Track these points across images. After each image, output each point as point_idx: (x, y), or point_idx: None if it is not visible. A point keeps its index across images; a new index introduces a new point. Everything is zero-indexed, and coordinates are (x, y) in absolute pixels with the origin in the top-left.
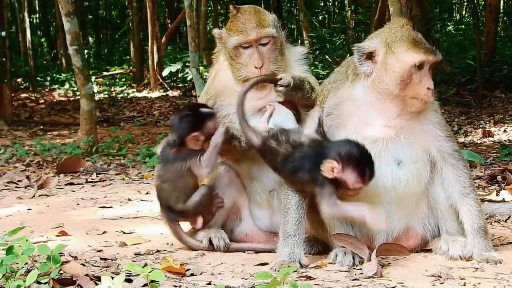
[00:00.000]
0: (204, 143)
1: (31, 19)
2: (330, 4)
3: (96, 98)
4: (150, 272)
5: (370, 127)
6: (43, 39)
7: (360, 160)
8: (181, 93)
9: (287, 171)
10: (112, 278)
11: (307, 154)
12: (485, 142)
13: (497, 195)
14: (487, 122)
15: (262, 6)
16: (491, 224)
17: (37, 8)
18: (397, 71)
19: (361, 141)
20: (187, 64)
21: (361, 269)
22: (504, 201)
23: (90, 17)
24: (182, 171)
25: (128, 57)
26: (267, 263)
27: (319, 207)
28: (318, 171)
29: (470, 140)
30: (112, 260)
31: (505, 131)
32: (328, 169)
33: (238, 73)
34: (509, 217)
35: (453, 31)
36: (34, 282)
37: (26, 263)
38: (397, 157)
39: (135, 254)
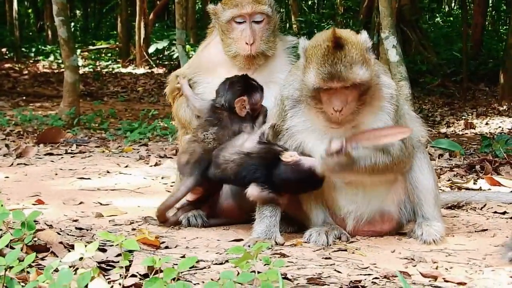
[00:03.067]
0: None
1: None
2: None
3: (81, 71)
4: (123, 241)
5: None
6: (30, 10)
7: (306, 182)
8: (166, 71)
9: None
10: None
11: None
12: (466, 133)
13: (474, 183)
14: (470, 114)
15: None
16: (466, 211)
17: None
18: (305, 86)
19: (318, 126)
20: (173, 42)
21: (335, 250)
22: (481, 190)
23: None
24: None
25: (115, 32)
26: (242, 239)
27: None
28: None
29: (452, 131)
30: (88, 230)
31: (487, 123)
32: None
33: (228, 48)
34: (484, 205)
35: (441, 22)
36: (7, 246)
37: (0, 229)
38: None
39: (110, 225)
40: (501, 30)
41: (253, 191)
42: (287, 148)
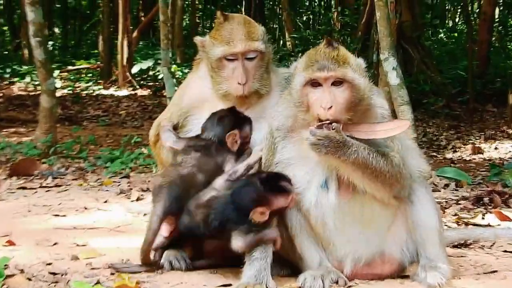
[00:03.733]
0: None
1: None
2: (315, 4)
3: (59, 93)
4: None
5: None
6: (5, 28)
7: (279, 188)
8: (151, 93)
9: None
10: None
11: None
12: (474, 159)
13: (482, 218)
14: (478, 138)
15: (243, 3)
16: (474, 250)
17: None
18: (294, 91)
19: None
20: (159, 61)
21: None
22: (490, 226)
23: (58, 6)
24: (221, 166)
25: (96, 51)
26: (231, 284)
27: (232, 243)
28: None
29: (459, 156)
30: (62, 275)
31: (496, 148)
32: (258, 215)
33: (218, 87)
34: (493, 243)
35: (445, 38)
36: None
37: None
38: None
39: (87, 269)
40: (509, 47)
41: (237, 242)
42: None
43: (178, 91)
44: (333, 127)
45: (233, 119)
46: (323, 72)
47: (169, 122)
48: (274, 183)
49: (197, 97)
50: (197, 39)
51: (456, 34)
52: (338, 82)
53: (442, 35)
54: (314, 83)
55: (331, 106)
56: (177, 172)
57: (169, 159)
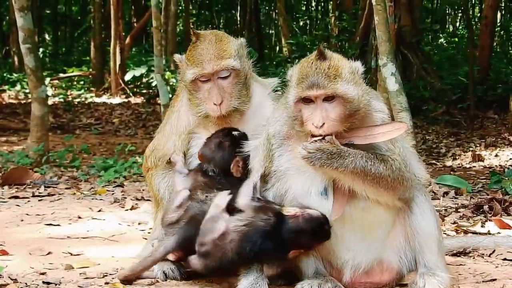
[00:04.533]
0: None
1: None
2: (312, 9)
3: (50, 102)
4: None
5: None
6: None
7: (325, 235)
8: (144, 100)
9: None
10: None
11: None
12: (474, 166)
13: (482, 226)
14: (478, 145)
15: (238, 8)
16: (473, 258)
17: None
18: (288, 106)
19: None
20: (152, 68)
21: None
22: (489, 234)
23: (48, 11)
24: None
25: (87, 57)
26: None
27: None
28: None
29: (459, 164)
30: (56, 284)
31: (496, 155)
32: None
33: (197, 109)
34: (493, 252)
35: (445, 43)
36: None
37: None
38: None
39: (81, 278)
40: (511, 52)
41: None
42: (282, 204)
43: (170, 119)
44: (327, 140)
45: (232, 145)
46: (313, 90)
47: (179, 156)
48: (322, 230)
49: (189, 121)
50: (176, 57)
51: (456, 39)
52: (330, 97)
53: (442, 40)
54: (306, 99)
55: (324, 123)
56: (200, 209)
57: (160, 189)
